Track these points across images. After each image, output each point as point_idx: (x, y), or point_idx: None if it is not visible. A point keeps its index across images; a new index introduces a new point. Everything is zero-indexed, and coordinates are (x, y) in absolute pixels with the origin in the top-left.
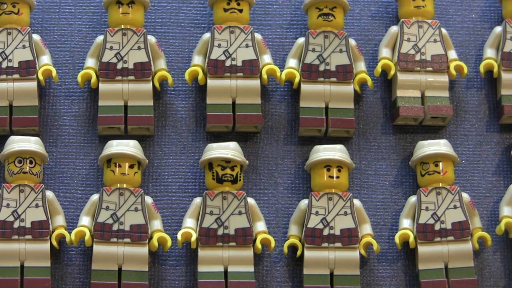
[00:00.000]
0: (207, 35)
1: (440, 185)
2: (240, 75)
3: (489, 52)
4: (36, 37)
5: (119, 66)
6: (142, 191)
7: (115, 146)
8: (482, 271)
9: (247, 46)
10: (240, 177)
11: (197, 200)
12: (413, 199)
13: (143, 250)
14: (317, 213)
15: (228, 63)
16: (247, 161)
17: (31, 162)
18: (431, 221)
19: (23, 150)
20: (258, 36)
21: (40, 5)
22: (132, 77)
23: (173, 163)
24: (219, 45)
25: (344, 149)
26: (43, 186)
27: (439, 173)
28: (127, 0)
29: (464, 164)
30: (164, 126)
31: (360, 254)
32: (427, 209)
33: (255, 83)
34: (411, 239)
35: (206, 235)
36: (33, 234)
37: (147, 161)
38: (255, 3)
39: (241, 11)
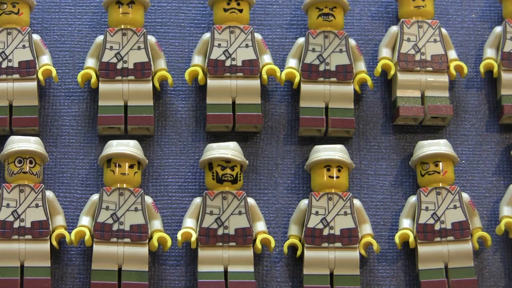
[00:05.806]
0: (207, 35)
1: (440, 185)
2: (240, 75)
3: (489, 52)
4: (36, 37)
5: (119, 66)
6: (142, 191)
7: (115, 146)
8: (482, 271)
9: (247, 46)
10: (240, 177)
11: (197, 200)
12: (413, 199)
13: (143, 250)
14: (317, 213)
15: (228, 63)
16: (247, 161)
17: (31, 162)
18: (431, 221)
19: (23, 150)
20: (258, 36)
21: (40, 5)
22: (132, 77)
23: (173, 163)
24: (219, 45)
25: (344, 149)
26: (43, 186)
27: (439, 173)
28: (127, 0)
29: (464, 164)
30: (164, 126)
31: (360, 254)
32: (427, 209)
33: (255, 83)
34: (411, 239)
35: (206, 235)
36: (33, 234)
37: (147, 161)
38: (255, 3)
39: (241, 11)
